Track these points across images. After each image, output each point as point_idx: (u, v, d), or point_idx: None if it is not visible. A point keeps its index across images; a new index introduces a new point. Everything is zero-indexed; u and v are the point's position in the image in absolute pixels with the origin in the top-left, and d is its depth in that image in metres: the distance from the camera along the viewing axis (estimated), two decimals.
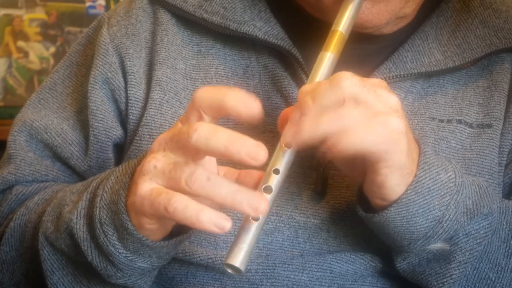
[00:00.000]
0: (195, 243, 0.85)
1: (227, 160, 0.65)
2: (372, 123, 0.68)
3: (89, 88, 0.93)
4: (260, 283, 0.84)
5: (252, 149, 0.63)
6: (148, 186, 0.67)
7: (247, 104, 0.65)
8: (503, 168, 0.90)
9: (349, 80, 0.69)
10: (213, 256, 0.84)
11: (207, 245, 0.85)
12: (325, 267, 0.85)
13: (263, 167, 0.69)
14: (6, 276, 0.88)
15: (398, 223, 0.75)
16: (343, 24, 0.79)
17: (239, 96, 0.65)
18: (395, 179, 0.72)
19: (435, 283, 0.80)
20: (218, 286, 0.85)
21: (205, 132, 0.64)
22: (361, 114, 0.68)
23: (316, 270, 0.85)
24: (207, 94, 0.66)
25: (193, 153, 0.66)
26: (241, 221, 0.68)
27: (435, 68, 0.90)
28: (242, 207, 0.64)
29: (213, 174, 0.65)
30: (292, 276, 0.84)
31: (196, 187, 0.64)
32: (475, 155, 0.89)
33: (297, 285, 0.84)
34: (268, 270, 0.85)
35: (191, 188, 0.64)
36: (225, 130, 0.64)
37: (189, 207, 0.64)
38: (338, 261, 0.85)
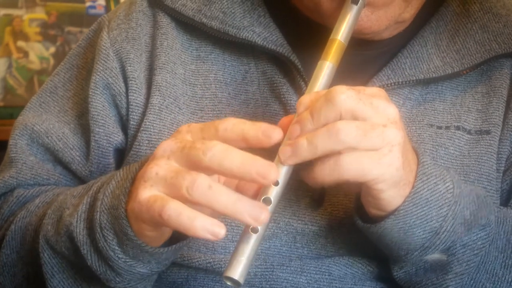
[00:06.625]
0: (194, 249, 0.86)
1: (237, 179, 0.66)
2: (368, 139, 0.68)
3: (90, 93, 0.92)
4: (260, 285, 0.84)
5: (263, 169, 0.64)
6: (147, 193, 0.67)
7: (267, 133, 0.66)
8: (501, 174, 0.90)
9: (344, 95, 0.69)
10: (211, 260, 0.85)
11: (205, 250, 0.86)
12: (324, 270, 0.85)
13: None
14: (8, 279, 0.88)
15: (395, 234, 0.75)
16: (341, 33, 0.79)
17: (259, 126, 0.66)
18: (390, 191, 0.71)
19: None
20: None
21: (220, 152, 0.65)
22: (357, 129, 0.68)
23: (314, 272, 0.85)
24: (232, 126, 0.67)
25: (202, 170, 0.66)
26: (239, 229, 0.68)
27: (434, 75, 0.89)
28: (242, 216, 0.64)
29: (214, 182, 0.65)
30: (290, 278, 0.85)
31: (197, 195, 0.64)
32: (473, 162, 0.89)
33: None
34: (267, 273, 0.85)
35: (191, 196, 0.64)
36: (238, 151, 0.65)
37: (183, 214, 0.64)
38: (337, 264, 0.85)
